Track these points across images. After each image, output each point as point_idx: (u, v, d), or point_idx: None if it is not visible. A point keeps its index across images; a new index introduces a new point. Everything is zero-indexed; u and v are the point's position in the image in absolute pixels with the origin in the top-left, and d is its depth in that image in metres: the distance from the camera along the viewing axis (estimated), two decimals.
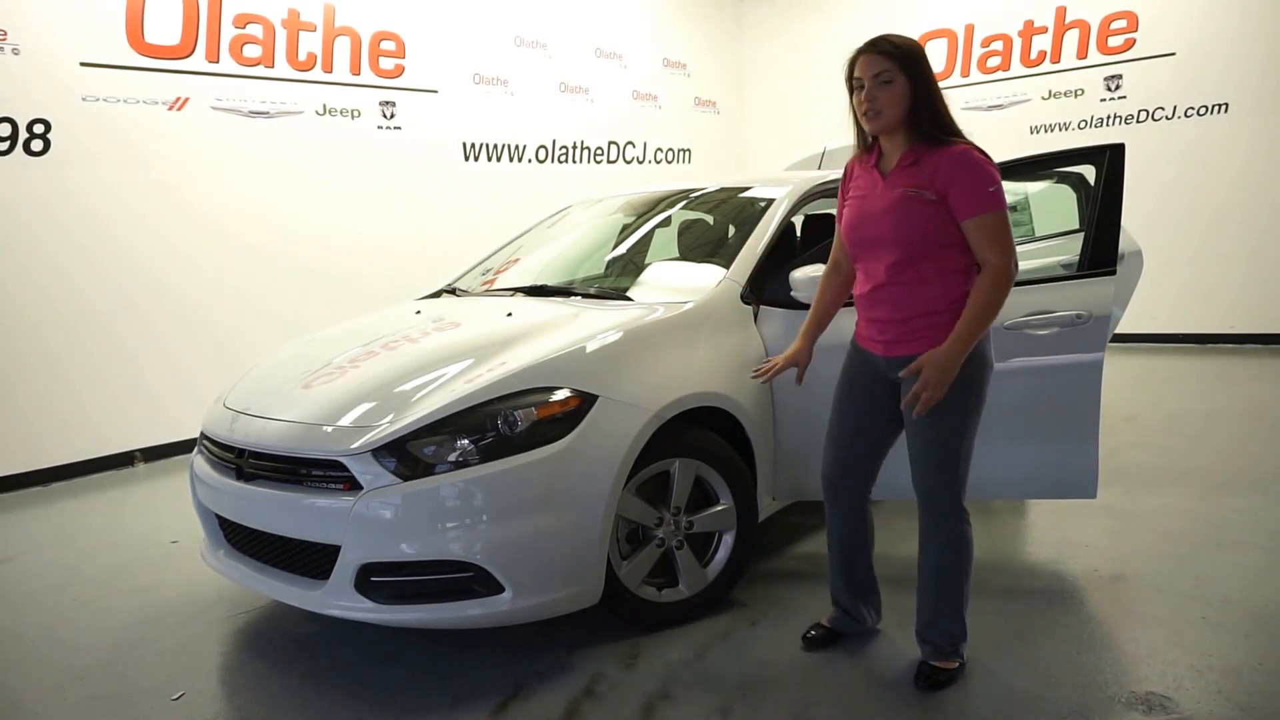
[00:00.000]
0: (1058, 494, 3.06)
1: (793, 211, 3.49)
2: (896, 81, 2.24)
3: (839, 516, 2.60)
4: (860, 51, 2.29)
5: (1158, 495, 3.89)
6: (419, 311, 3.48)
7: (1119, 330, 4.94)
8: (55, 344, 5.17)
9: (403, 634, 2.87)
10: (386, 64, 6.61)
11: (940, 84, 2.31)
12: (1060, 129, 8.10)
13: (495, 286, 3.78)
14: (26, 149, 5.00)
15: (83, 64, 5.16)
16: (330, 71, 6.29)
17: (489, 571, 2.44)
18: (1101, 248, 2.94)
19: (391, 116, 6.67)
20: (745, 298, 3.13)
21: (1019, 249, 2.31)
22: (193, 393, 5.28)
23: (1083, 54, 7.98)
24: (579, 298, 3.34)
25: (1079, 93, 8.03)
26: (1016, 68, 8.31)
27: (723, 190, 3.99)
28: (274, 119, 6.00)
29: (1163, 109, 7.68)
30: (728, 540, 2.93)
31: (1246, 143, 7.35)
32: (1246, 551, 3.23)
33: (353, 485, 2.49)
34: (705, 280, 3.22)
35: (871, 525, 2.63)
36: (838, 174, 3.67)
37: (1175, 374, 6.64)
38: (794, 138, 7.48)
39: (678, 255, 4.00)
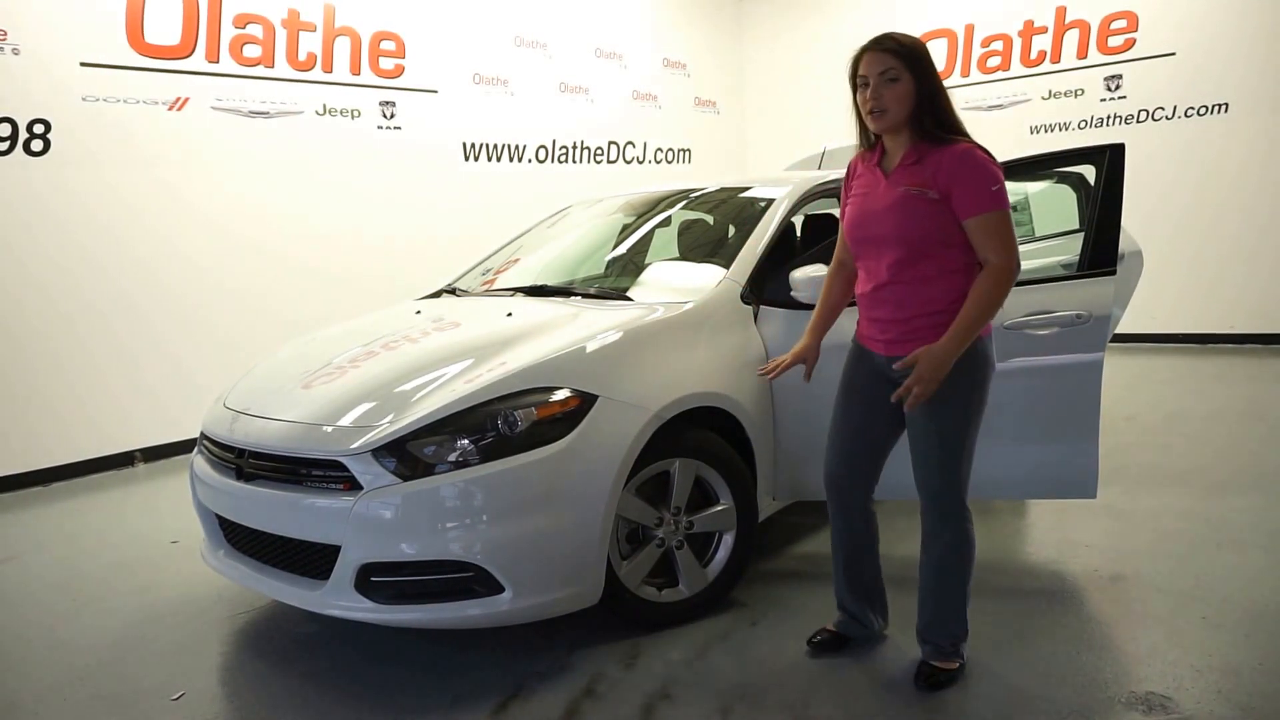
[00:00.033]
0: (1058, 494, 3.06)
1: (793, 211, 3.49)
2: (902, 79, 2.23)
3: (843, 518, 2.57)
4: (865, 49, 2.28)
5: (1158, 495, 3.89)
6: (419, 311, 3.48)
7: (1119, 330, 4.94)
8: (55, 344, 5.17)
9: (403, 634, 2.87)
10: (386, 64, 6.61)
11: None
12: (1060, 129, 8.10)
13: (495, 286, 3.78)
14: (26, 149, 5.00)
15: (83, 64, 5.16)
16: (330, 71, 6.29)
17: (489, 571, 2.44)
18: (1101, 248, 2.93)
19: (391, 116, 6.67)
20: (745, 298, 3.13)
21: (1019, 249, 2.30)
22: (193, 392, 5.28)
23: (1083, 54, 7.98)
24: (579, 298, 3.34)
25: (1079, 93, 8.03)
26: (1016, 68, 8.31)
27: (723, 190, 3.99)
28: (274, 119, 6.01)
29: (1163, 109, 7.68)
30: (728, 540, 2.93)
31: (1246, 143, 7.35)
32: (1247, 551, 3.23)
33: (353, 485, 2.49)
34: (705, 280, 3.22)
35: (876, 526, 2.61)
36: (838, 174, 3.70)
37: (1175, 374, 6.64)
38: (794, 138, 7.48)
39: (678, 255, 4.00)
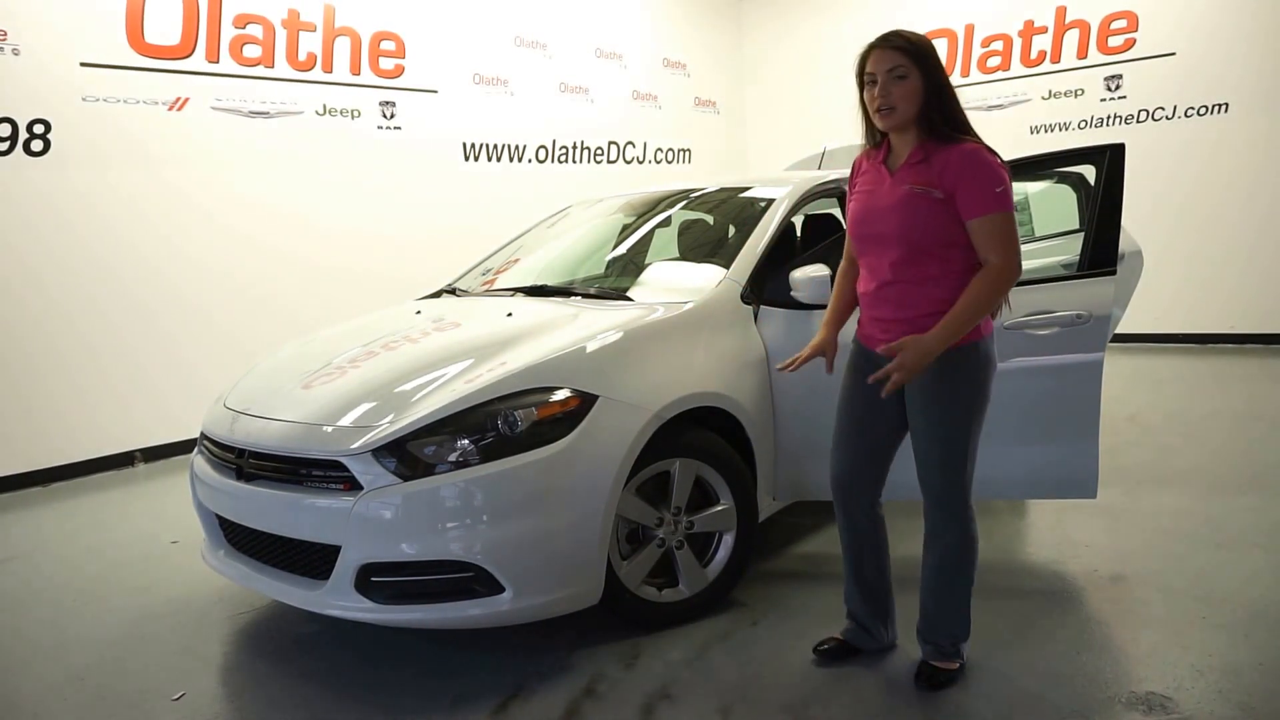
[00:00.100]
0: (1058, 494, 3.06)
1: (793, 211, 3.49)
2: (910, 77, 2.21)
3: (850, 522, 2.54)
4: (873, 46, 2.27)
5: (1158, 495, 3.89)
6: (419, 311, 3.48)
7: (1119, 330, 4.94)
8: (58, 343, 5.17)
9: (403, 634, 2.87)
10: (386, 64, 6.61)
11: None
12: (1060, 129, 8.10)
13: (495, 286, 3.78)
14: (26, 149, 5.00)
15: (83, 64, 5.16)
16: (330, 71, 6.29)
17: (489, 571, 2.44)
18: (1101, 248, 2.93)
19: (391, 116, 6.67)
20: (745, 298, 3.13)
21: (1021, 252, 2.29)
22: (195, 390, 5.25)
23: (1083, 54, 7.98)
24: (579, 298, 3.34)
25: (1079, 93, 8.03)
26: (1016, 68, 8.32)
27: (723, 190, 3.99)
28: (274, 119, 6.01)
29: (1163, 109, 7.68)
30: (728, 540, 2.93)
31: (1246, 143, 7.35)
32: (1247, 551, 3.23)
33: (353, 485, 2.49)
34: (705, 280, 3.22)
35: (885, 531, 2.57)
36: (838, 174, 3.71)
37: (1175, 374, 6.64)
38: (794, 138, 7.48)
39: (678, 255, 4.00)
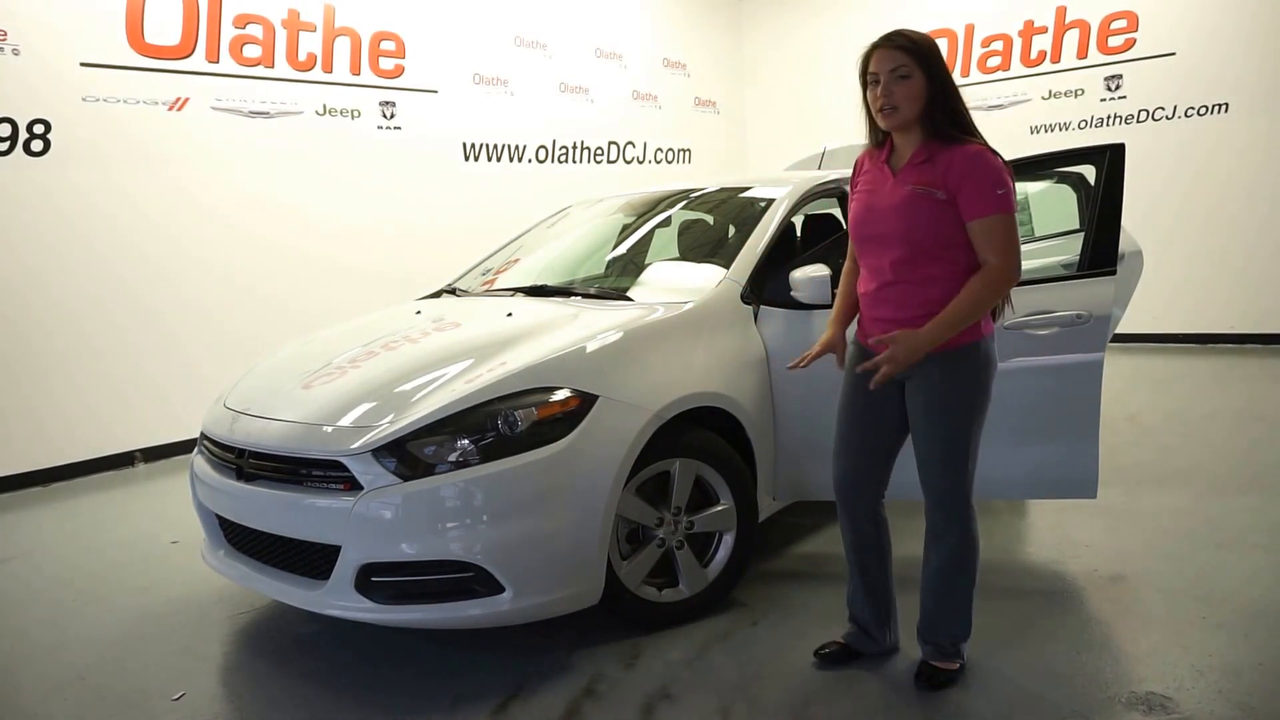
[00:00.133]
0: (1058, 494, 3.06)
1: (793, 211, 3.49)
2: (914, 77, 2.21)
3: (853, 524, 2.53)
4: (876, 45, 2.26)
5: (1158, 495, 3.89)
6: (419, 311, 3.48)
7: (1119, 330, 4.94)
8: (58, 343, 5.17)
9: (403, 634, 2.87)
10: (386, 64, 6.61)
11: None
12: (1060, 129, 8.10)
13: (495, 286, 3.78)
14: (27, 149, 5.00)
15: (83, 64, 5.16)
16: (330, 71, 6.29)
17: (489, 571, 2.44)
18: (1101, 248, 2.93)
19: (391, 116, 6.67)
20: (745, 298, 3.13)
21: (1021, 254, 2.28)
22: (196, 388, 5.24)
23: (1083, 54, 7.98)
24: (579, 298, 3.34)
25: (1079, 93, 8.03)
26: (1016, 68, 8.32)
27: (723, 190, 3.99)
28: (274, 119, 6.01)
29: (1163, 109, 7.68)
30: (728, 540, 2.93)
31: (1246, 143, 7.35)
32: (1247, 551, 3.23)
33: (353, 485, 2.49)
34: (705, 280, 3.22)
35: (888, 533, 2.55)
36: (838, 174, 3.71)
37: (1175, 374, 6.64)
38: (794, 138, 7.48)
39: (678, 255, 4.00)
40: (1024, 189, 4.91)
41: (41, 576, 3.69)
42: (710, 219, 4.07)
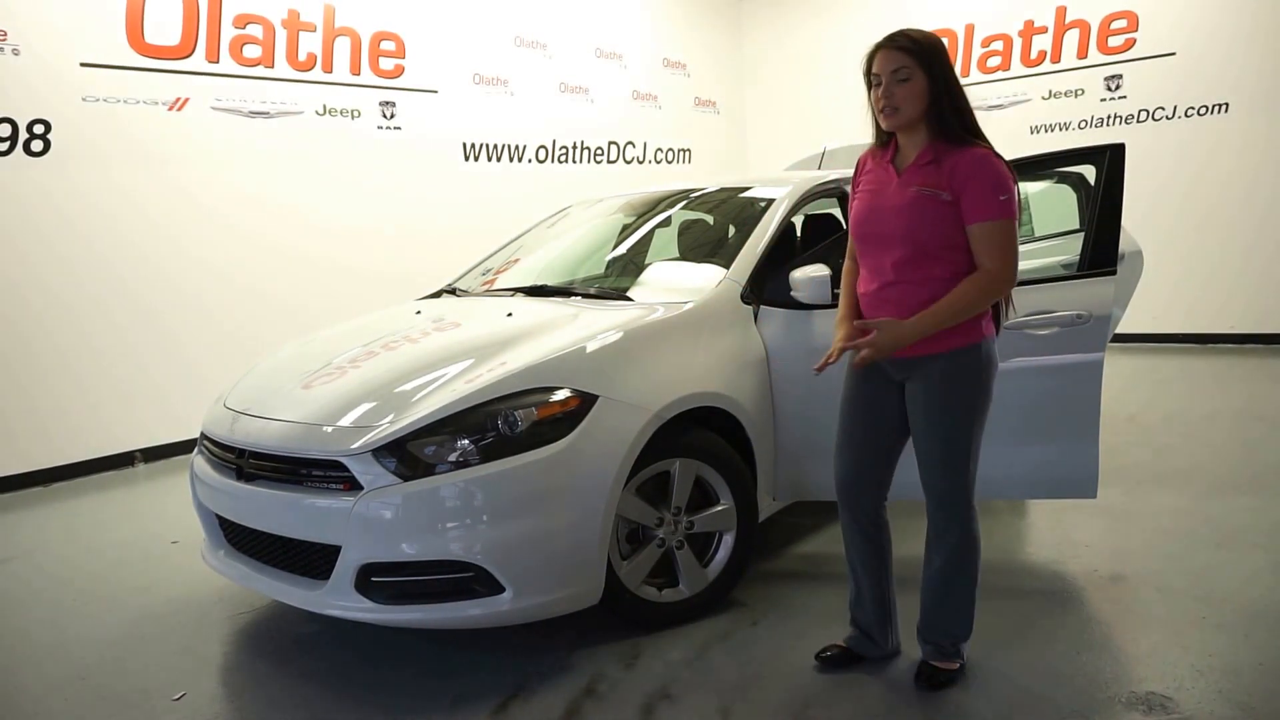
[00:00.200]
0: (1058, 494, 3.06)
1: (793, 211, 3.49)
2: (915, 78, 2.20)
3: (856, 526, 2.52)
4: (878, 46, 2.26)
5: (1157, 495, 3.89)
6: (419, 311, 3.48)
7: (1119, 330, 4.94)
8: (59, 343, 5.17)
9: (403, 634, 2.87)
10: (386, 64, 6.61)
11: None
12: (1060, 129, 8.11)
13: (495, 286, 3.78)
14: (27, 149, 5.00)
15: (83, 64, 5.16)
16: (330, 72, 6.29)
17: (489, 571, 2.44)
18: (1101, 248, 2.93)
19: (391, 117, 6.67)
20: (745, 298, 3.13)
21: (1019, 259, 2.28)
22: (197, 388, 5.23)
23: (1083, 54, 7.98)
24: (579, 298, 3.34)
25: (1079, 93, 8.03)
26: (1016, 68, 8.32)
27: (723, 190, 3.99)
28: (274, 119, 6.01)
29: (1163, 109, 7.68)
30: (728, 540, 2.93)
31: (1246, 143, 7.35)
32: (1247, 551, 3.23)
33: (353, 485, 2.49)
34: (705, 280, 3.22)
35: (890, 535, 2.55)
36: (838, 174, 3.71)
37: (1175, 374, 6.64)
38: (794, 138, 7.49)
39: (678, 255, 4.00)
40: (1024, 189, 4.91)
41: (42, 576, 3.69)
42: (710, 219, 4.07)
